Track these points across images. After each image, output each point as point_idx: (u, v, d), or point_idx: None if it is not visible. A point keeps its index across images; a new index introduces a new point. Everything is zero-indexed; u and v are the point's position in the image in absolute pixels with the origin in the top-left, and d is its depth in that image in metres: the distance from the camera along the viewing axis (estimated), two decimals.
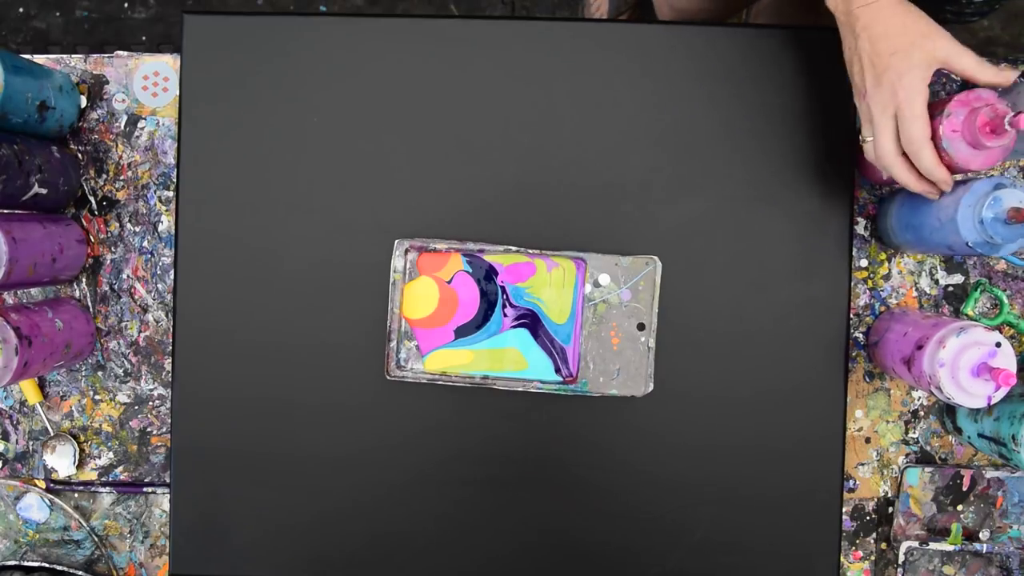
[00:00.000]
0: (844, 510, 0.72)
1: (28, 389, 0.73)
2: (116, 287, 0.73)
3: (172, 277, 0.72)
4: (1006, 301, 0.71)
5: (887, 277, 0.72)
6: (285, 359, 0.67)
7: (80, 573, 0.73)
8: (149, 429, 0.74)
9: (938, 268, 0.72)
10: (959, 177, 0.59)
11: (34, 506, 0.75)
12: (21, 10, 1.42)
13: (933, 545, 0.71)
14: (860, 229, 0.71)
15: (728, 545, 0.67)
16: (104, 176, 0.73)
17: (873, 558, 0.73)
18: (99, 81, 0.73)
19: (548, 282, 0.66)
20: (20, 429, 0.74)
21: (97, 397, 0.74)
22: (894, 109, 0.56)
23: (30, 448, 0.74)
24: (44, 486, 0.74)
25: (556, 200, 0.66)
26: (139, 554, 0.75)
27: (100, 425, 0.74)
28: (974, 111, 0.54)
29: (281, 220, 0.66)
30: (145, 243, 0.73)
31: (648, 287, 0.66)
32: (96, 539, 0.74)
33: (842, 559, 0.73)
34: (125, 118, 0.73)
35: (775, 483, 0.67)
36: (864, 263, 0.72)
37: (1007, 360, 0.59)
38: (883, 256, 0.72)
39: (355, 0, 1.43)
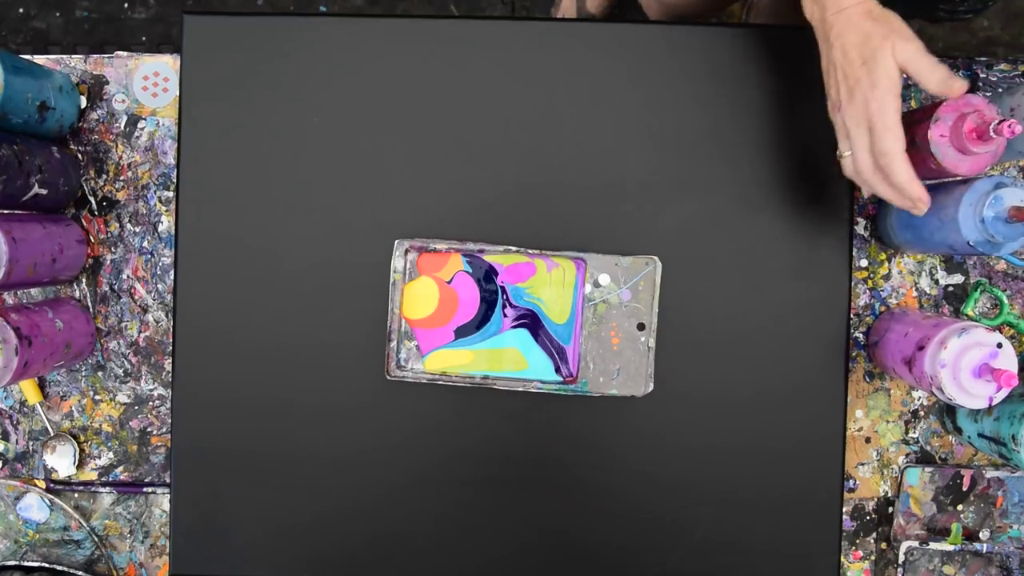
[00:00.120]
0: (844, 510, 0.72)
1: (28, 389, 0.73)
2: (116, 287, 0.73)
3: (172, 277, 0.72)
4: (1006, 301, 0.71)
5: (887, 277, 0.72)
6: (285, 359, 0.67)
7: (80, 573, 0.73)
8: (149, 429, 0.74)
9: (938, 268, 0.72)
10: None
11: (34, 506, 0.75)
12: (21, 10, 1.42)
13: (933, 545, 0.71)
14: (860, 229, 0.71)
15: (728, 545, 0.67)
16: (104, 176, 0.73)
17: (873, 558, 0.73)
18: (99, 81, 0.73)
19: (548, 282, 0.66)
20: (20, 429, 0.74)
21: (97, 397, 0.74)
22: (868, 122, 0.55)
23: (30, 448, 0.74)
24: (44, 486, 0.74)
25: (556, 200, 0.66)
26: (139, 554, 0.75)
27: (100, 425, 0.74)
28: (962, 116, 0.55)
29: (281, 220, 0.66)
30: (145, 243, 0.73)
31: (648, 287, 0.66)
32: (96, 539, 0.74)
33: (842, 559, 0.73)
34: (125, 118, 0.73)
35: (775, 483, 0.67)
36: (864, 263, 0.72)
37: (1008, 361, 0.59)
38: (883, 256, 0.72)
39: (355, 0, 1.43)
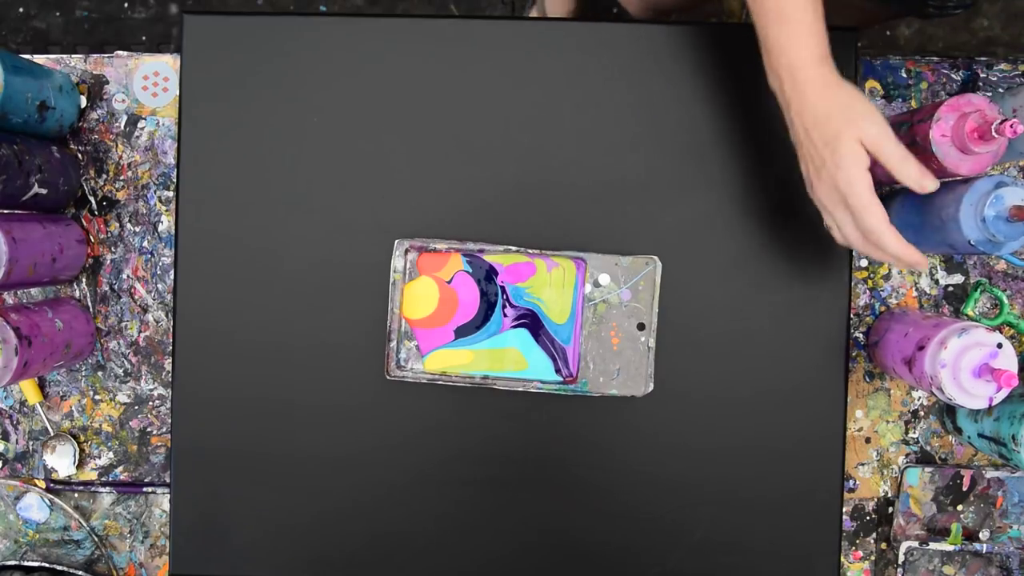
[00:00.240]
0: (844, 510, 0.72)
1: (28, 389, 0.73)
2: (116, 287, 0.73)
3: (172, 277, 0.72)
4: (1006, 301, 0.71)
5: (887, 277, 0.72)
6: (285, 359, 0.67)
7: (80, 573, 0.73)
8: (149, 429, 0.74)
9: (938, 268, 0.72)
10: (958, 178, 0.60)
11: (34, 506, 0.75)
12: (21, 10, 1.42)
13: (933, 545, 0.71)
14: None
15: (728, 545, 0.67)
16: (104, 176, 0.73)
17: (873, 558, 0.73)
18: (99, 81, 0.73)
19: (548, 282, 0.66)
20: (20, 429, 0.74)
21: (97, 397, 0.74)
22: (843, 202, 0.54)
23: (30, 448, 0.74)
24: (44, 486, 0.74)
25: (556, 200, 0.66)
26: (139, 554, 0.75)
27: (100, 425, 0.74)
28: (963, 116, 0.55)
29: (281, 220, 0.66)
30: (145, 243, 0.73)
31: (648, 287, 0.66)
32: (96, 539, 0.74)
33: (842, 559, 0.73)
34: (125, 118, 0.73)
35: (775, 483, 0.67)
36: (864, 263, 0.72)
37: (1009, 361, 0.59)
38: None
39: (355, 0, 1.43)
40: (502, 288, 0.66)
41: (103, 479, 0.74)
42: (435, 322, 0.66)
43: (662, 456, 0.67)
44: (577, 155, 0.66)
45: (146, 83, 0.73)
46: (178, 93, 0.70)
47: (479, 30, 0.67)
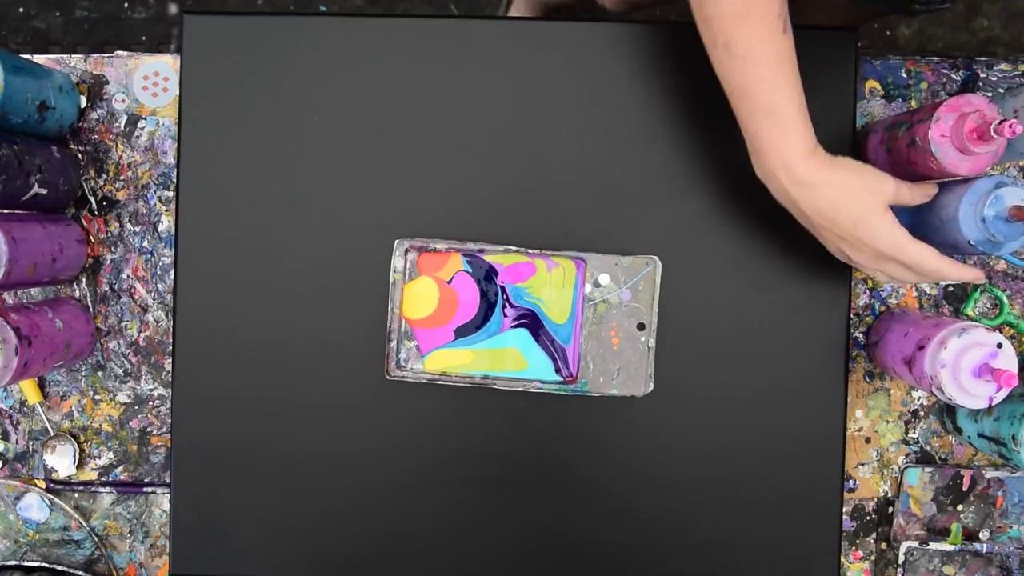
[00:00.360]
0: (844, 510, 0.72)
1: (28, 389, 0.73)
2: (116, 287, 0.73)
3: (172, 277, 0.72)
4: (1006, 301, 0.71)
5: None
6: (285, 359, 0.67)
7: (80, 573, 0.73)
8: (149, 429, 0.74)
9: None
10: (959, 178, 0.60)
11: (34, 506, 0.75)
12: (21, 10, 1.42)
13: (933, 545, 0.71)
14: None
15: (728, 545, 0.67)
16: (104, 176, 0.73)
17: (873, 558, 0.73)
18: (99, 81, 0.73)
19: (548, 282, 0.66)
20: (20, 429, 0.75)
21: (97, 397, 0.74)
22: (891, 259, 0.56)
23: (30, 448, 0.74)
24: (44, 486, 0.74)
25: (556, 200, 0.66)
26: (139, 554, 0.75)
27: (100, 425, 0.74)
28: (963, 117, 0.55)
29: (281, 220, 0.66)
30: (145, 243, 0.73)
31: (648, 287, 0.66)
32: (96, 539, 0.74)
33: (842, 559, 0.73)
34: (125, 118, 0.73)
35: (775, 483, 0.67)
36: None
37: (1009, 361, 0.59)
38: None
39: (355, 0, 1.43)
40: (502, 288, 0.66)
41: (103, 479, 0.74)
42: (435, 322, 0.66)
43: (662, 456, 0.67)
44: (577, 155, 0.66)
45: (146, 83, 0.73)
46: (178, 93, 0.70)
47: (479, 30, 0.66)
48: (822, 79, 0.66)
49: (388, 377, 0.66)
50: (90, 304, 0.73)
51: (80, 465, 0.74)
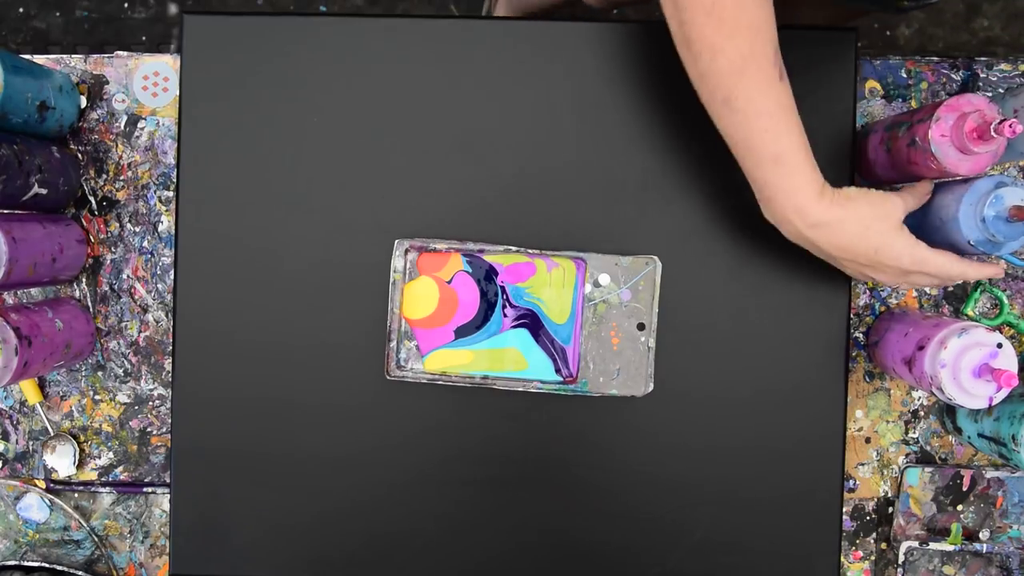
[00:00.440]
0: (844, 510, 0.72)
1: (28, 389, 0.73)
2: (116, 287, 0.73)
3: (172, 277, 0.72)
4: (1006, 301, 0.71)
5: None
6: (285, 359, 0.67)
7: (80, 573, 0.73)
8: (149, 429, 0.74)
9: None
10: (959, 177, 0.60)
11: (34, 506, 0.75)
12: (21, 10, 1.42)
13: (933, 545, 0.71)
14: None
15: (728, 545, 0.67)
16: (104, 176, 0.73)
17: (873, 558, 0.73)
18: (99, 81, 0.73)
19: (548, 282, 0.66)
20: (20, 429, 0.75)
21: (97, 397, 0.74)
22: (917, 272, 0.57)
23: (30, 448, 0.74)
24: (44, 486, 0.74)
25: (556, 200, 0.66)
26: (139, 554, 0.75)
27: (100, 425, 0.74)
28: (963, 116, 0.54)
29: (281, 220, 0.66)
30: (145, 243, 0.73)
31: (648, 287, 0.66)
32: (96, 539, 0.74)
33: (842, 559, 0.73)
34: (125, 118, 0.73)
35: (775, 483, 0.67)
36: None
37: (1009, 361, 0.59)
38: None
39: (355, 0, 1.43)
40: (502, 288, 0.66)
41: (103, 479, 0.74)
42: (435, 322, 0.66)
43: (662, 456, 0.67)
44: (577, 155, 0.66)
45: (146, 83, 0.73)
46: (178, 93, 0.70)
47: (479, 30, 0.66)
48: (822, 79, 0.66)
49: (388, 377, 0.66)
50: (90, 304, 0.73)
51: (80, 465, 0.74)
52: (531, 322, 0.66)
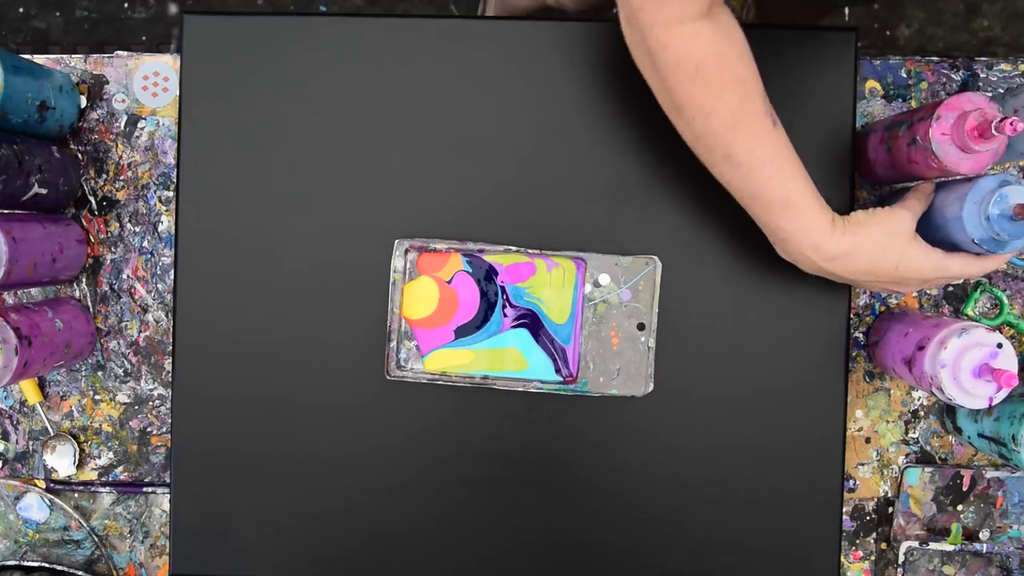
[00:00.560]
0: (844, 510, 0.72)
1: (28, 389, 0.73)
2: (116, 287, 0.73)
3: (172, 277, 0.72)
4: (1006, 301, 0.71)
5: None
6: (285, 359, 0.67)
7: (80, 573, 0.73)
8: (149, 429, 0.74)
9: None
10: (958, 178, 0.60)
11: (34, 506, 0.75)
12: (21, 10, 1.42)
13: (933, 545, 0.71)
14: None
15: (728, 545, 0.67)
16: (104, 176, 0.73)
17: (873, 558, 0.73)
18: (99, 81, 0.73)
19: (548, 282, 0.66)
20: (20, 429, 0.74)
21: (97, 397, 0.74)
22: (938, 279, 0.58)
23: (30, 448, 0.74)
24: (44, 486, 0.74)
25: (556, 200, 0.66)
26: (139, 554, 0.75)
27: (100, 425, 0.74)
28: (963, 115, 0.54)
29: (281, 220, 0.66)
30: (145, 243, 0.73)
31: (648, 287, 0.66)
32: (96, 539, 0.74)
33: (842, 559, 0.73)
34: (125, 118, 0.73)
35: (775, 483, 0.67)
36: None
37: (1009, 361, 0.59)
38: None
39: (355, 0, 1.43)
40: (502, 288, 0.66)
41: (103, 479, 0.74)
42: (435, 322, 0.66)
43: (662, 456, 0.67)
44: (577, 155, 0.66)
45: (146, 83, 0.73)
46: (178, 93, 0.70)
47: (479, 30, 0.66)
48: (822, 79, 0.66)
49: (388, 377, 0.66)
50: (90, 304, 0.73)
51: (80, 465, 0.74)
52: (531, 322, 0.66)
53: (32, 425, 0.74)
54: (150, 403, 0.74)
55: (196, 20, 0.67)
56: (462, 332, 0.66)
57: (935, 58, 0.72)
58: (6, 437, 0.75)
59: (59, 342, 0.67)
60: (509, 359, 0.66)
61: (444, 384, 0.66)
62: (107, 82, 0.73)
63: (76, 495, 0.75)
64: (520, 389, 0.66)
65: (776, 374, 0.66)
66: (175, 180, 0.70)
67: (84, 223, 0.73)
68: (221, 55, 0.66)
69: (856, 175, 0.68)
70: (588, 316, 0.66)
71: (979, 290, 0.71)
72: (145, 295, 0.73)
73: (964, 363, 0.58)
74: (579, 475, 0.67)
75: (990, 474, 0.72)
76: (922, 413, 0.73)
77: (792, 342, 0.66)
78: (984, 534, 0.72)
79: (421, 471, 0.67)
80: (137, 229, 0.73)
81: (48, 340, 0.66)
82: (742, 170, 0.54)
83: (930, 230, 0.62)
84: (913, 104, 0.72)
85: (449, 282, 0.66)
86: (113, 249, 0.73)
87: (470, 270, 0.66)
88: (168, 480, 0.73)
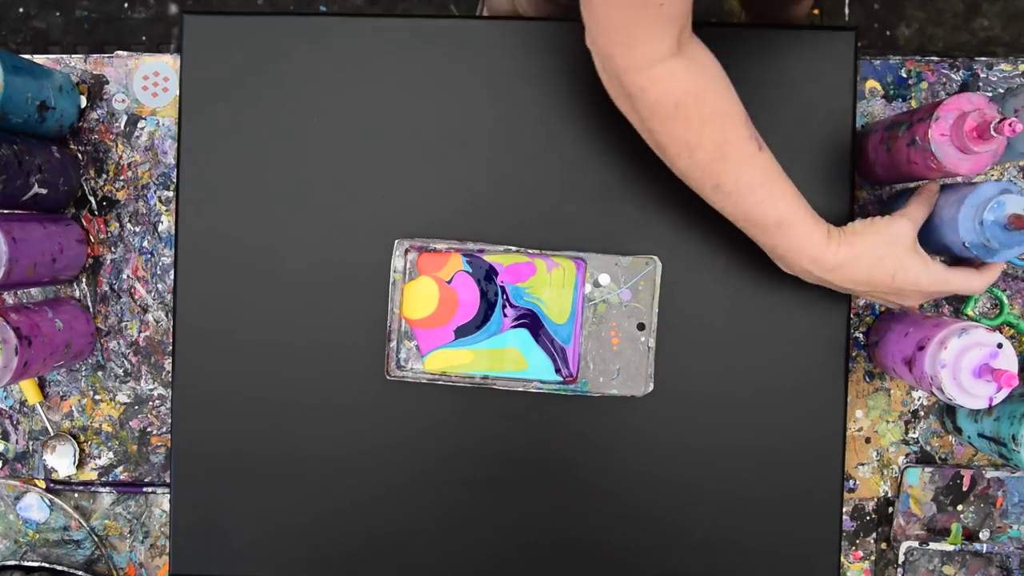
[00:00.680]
0: (844, 510, 0.72)
1: (28, 389, 0.73)
2: (116, 287, 0.73)
3: (172, 277, 0.72)
4: (1006, 301, 0.71)
5: None
6: (285, 359, 0.67)
7: (80, 573, 0.73)
8: (149, 429, 0.74)
9: None
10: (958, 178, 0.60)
11: (34, 506, 0.75)
12: (21, 10, 1.42)
13: (933, 545, 0.71)
14: None
15: (728, 545, 0.67)
16: (104, 176, 0.73)
17: (873, 558, 0.73)
18: (99, 81, 0.73)
19: (548, 282, 0.66)
20: (20, 429, 0.75)
21: (97, 397, 0.74)
22: (939, 292, 0.58)
23: (30, 448, 0.74)
24: (44, 486, 0.74)
25: (556, 200, 0.66)
26: (139, 554, 0.75)
27: (100, 425, 0.74)
28: (962, 116, 0.54)
29: (281, 220, 0.66)
30: (145, 243, 0.73)
31: (648, 287, 0.66)
32: (96, 539, 0.74)
33: (842, 559, 0.73)
34: (125, 118, 0.73)
35: (775, 483, 0.67)
36: None
37: (1009, 361, 0.59)
38: None
39: (355, 0, 1.43)
40: (502, 288, 0.66)
41: (103, 479, 0.74)
42: (435, 322, 0.66)
43: (662, 456, 0.67)
44: (577, 155, 0.66)
45: (146, 83, 0.73)
46: (178, 93, 0.70)
47: (479, 30, 0.66)
48: (822, 79, 0.66)
49: (388, 377, 0.66)
50: (90, 304, 0.73)
51: (80, 465, 0.74)
52: (531, 322, 0.66)
53: (32, 425, 0.74)
54: (150, 403, 0.74)
55: (196, 20, 0.67)
56: (462, 332, 0.66)
57: (935, 58, 0.72)
58: (6, 437, 0.75)
59: (59, 342, 0.67)
60: (509, 359, 0.66)
61: (444, 384, 0.66)
62: (107, 82, 0.73)
63: (76, 495, 0.75)
64: (520, 389, 0.66)
65: (776, 374, 0.66)
66: (175, 180, 0.70)
67: (84, 223, 0.73)
68: (221, 55, 0.66)
69: (856, 175, 0.68)
70: (588, 316, 0.66)
71: None
72: (145, 295, 0.73)
73: (964, 363, 0.58)
74: (579, 475, 0.67)
75: (990, 474, 0.72)
76: (922, 413, 0.73)
77: (792, 342, 0.66)
78: (984, 534, 0.72)
79: (421, 471, 0.67)
80: (137, 229, 0.73)
81: (48, 340, 0.66)
82: (732, 198, 0.55)
83: (926, 230, 0.62)
84: (913, 104, 0.72)
85: (449, 282, 0.66)
86: (113, 249, 0.73)
87: (470, 270, 0.66)
88: (168, 480, 0.73)
